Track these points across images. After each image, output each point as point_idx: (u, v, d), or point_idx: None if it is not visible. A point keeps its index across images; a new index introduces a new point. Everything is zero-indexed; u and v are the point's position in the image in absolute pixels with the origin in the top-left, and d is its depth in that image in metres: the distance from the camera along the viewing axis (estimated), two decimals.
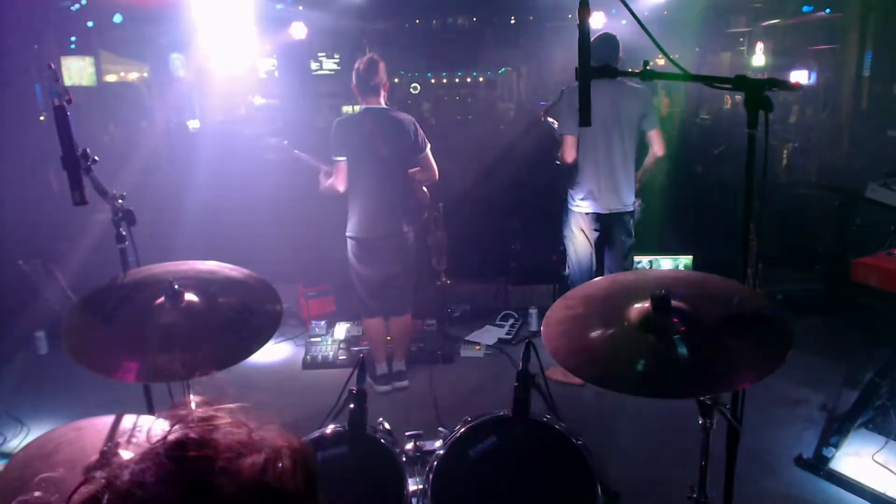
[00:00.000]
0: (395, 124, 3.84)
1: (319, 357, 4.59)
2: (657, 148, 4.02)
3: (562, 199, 4.20)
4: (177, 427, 0.76)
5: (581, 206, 4.05)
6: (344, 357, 4.57)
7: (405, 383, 4.22)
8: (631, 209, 4.07)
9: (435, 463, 2.04)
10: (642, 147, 4.05)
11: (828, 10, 7.27)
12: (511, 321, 5.08)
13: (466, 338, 4.87)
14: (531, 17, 10.06)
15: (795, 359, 1.73)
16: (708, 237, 5.20)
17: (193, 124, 8.41)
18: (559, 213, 4.26)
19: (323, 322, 4.94)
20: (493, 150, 7.13)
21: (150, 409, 2.31)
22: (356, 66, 3.80)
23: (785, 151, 7.27)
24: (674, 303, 1.74)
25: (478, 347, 4.74)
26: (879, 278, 3.29)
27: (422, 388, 4.19)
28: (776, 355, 1.65)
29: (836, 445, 3.22)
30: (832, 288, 5.00)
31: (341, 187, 3.85)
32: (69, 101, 2.02)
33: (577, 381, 3.48)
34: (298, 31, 7.19)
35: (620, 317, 1.79)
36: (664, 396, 1.76)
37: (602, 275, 4.05)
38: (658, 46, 1.78)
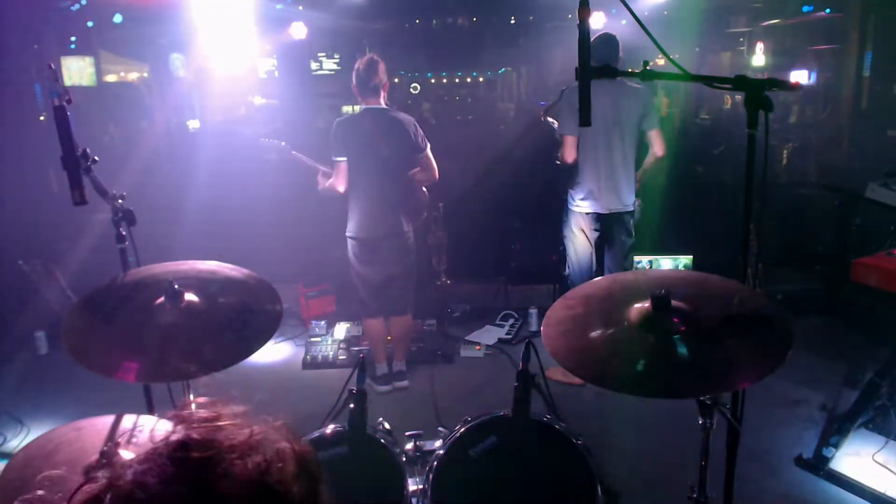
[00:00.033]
0: (395, 124, 3.84)
1: (319, 357, 4.59)
2: (657, 148, 4.02)
3: (562, 199, 4.20)
4: (180, 427, 0.75)
5: (581, 206, 4.05)
6: (344, 357, 4.57)
7: (405, 383, 4.22)
8: (631, 209, 4.07)
9: (435, 463, 2.05)
10: (642, 147, 4.06)
11: (828, 10, 7.27)
12: (511, 321, 5.08)
13: (466, 338, 4.87)
14: (531, 17, 10.06)
15: (795, 359, 1.73)
16: (708, 237, 5.20)
17: (193, 124, 8.41)
18: (559, 213, 4.26)
19: (323, 322, 4.94)
20: (493, 150, 7.13)
21: (150, 409, 2.31)
22: (356, 66, 3.80)
23: (785, 151, 7.27)
24: (674, 303, 1.74)
25: (478, 347, 4.74)
26: (879, 278, 3.29)
27: (422, 388, 4.19)
28: (776, 355, 1.65)
29: (836, 445, 3.22)
30: (832, 288, 5.00)
31: (341, 187, 3.85)
32: (69, 101, 2.02)
33: (577, 381, 3.48)
34: (298, 31, 7.19)
35: (620, 317, 1.79)
36: (664, 396, 1.77)
37: (602, 275, 4.05)
38: (658, 46, 1.78)
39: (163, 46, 8.01)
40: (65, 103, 2.00)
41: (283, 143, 4.44)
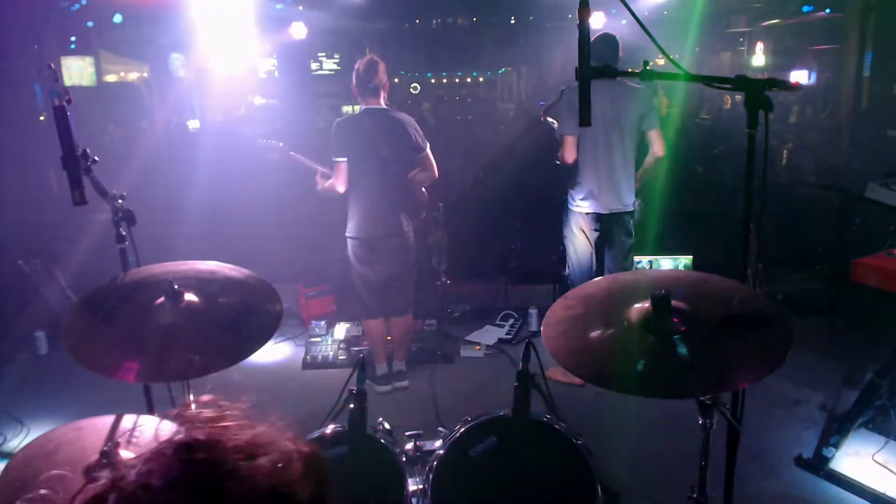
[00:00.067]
0: (394, 124, 3.84)
1: (319, 357, 4.59)
2: (657, 148, 4.02)
3: (562, 199, 4.20)
4: (184, 427, 0.75)
5: (581, 206, 4.05)
6: (344, 357, 4.57)
7: (405, 383, 4.22)
8: (631, 209, 4.07)
9: (435, 463, 2.05)
10: (642, 147, 4.05)
11: (828, 10, 7.28)
12: (511, 321, 5.08)
13: (466, 338, 4.87)
14: (531, 17, 10.05)
15: (795, 359, 1.74)
16: (708, 237, 5.20)
17: (193, 124, 8.40)
18: (559, 213, 4.26)
19: (323, 322, 4.94)
20: (493, 150, 7.13)
21: (150, 409, 2.31)
22: (356, 66, 3.81)
23: (785, 151, 7.27)
24: (674, 303, 1.74)
25: (478, 347, 4.74)
26: (879, 278, 3.29)
27: (422, 388, 4.19)
28: (776, 355, 1.65)
29: (836, 445, 3.22)
30: (832, 288, 5.00)
31: (341, 188, 3.85)
32: (69, 101, 2.02)
33: (577, 381, 3.48)
34: (298, 31, 7.19)
35: (620, 317, 1.79)
36: (664, 396, 1.77)
37: (602, 275, 4.05)
38: (658, 46, 1.78)
39: (163, 46, 8.00)
40: (65, 103, 2.00)
41: (280, 144, 4.44)
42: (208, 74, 7.81)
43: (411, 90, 10.78)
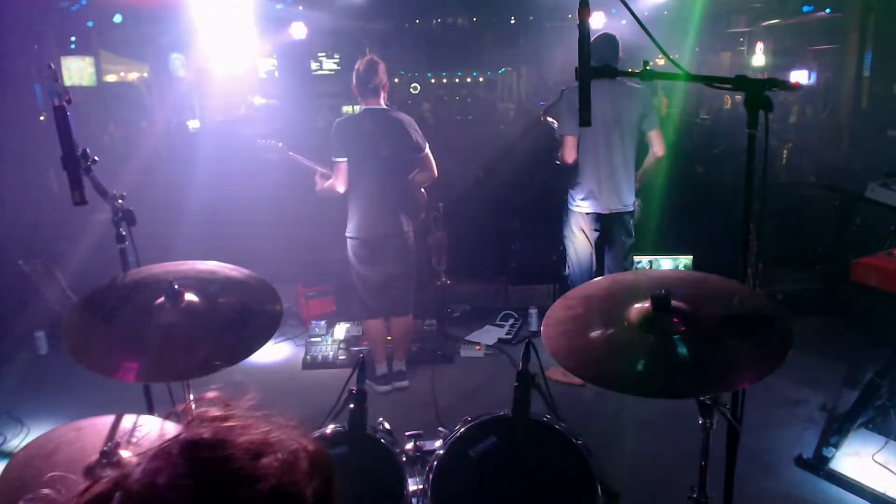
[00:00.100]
0: (394, 124, 3.84)
1: (319, 357, 4.59)
2: (657, 148, 4.02)
3: (562, 199, 4.20)
4: (191, 424, 0.74)
5: (581, 206, 4.05)
6: (344, 357, 4.57)
7: (405, 383, 4.22)
8: (631, 209, 4.07)
9: (435, 463, 2.04)
10: (642, 147, 4.06)
11: (828, 10, 7.28)
12: (511, 321, 5.08)
13: (466, 338, 4.87)
14: (531, 17, 10.04)
15: (795, 359, 1.73)
16: (708, 237, 5.19)
17: (193, 124, 8.40)
18: (559, 213, 4.26)
19: (323, 322, 4.94)
20: (493, 151, 7.12)
21: (150, 409, 2.31)
22: (356, 66, 3.81)
23: (785, 151, 7.26)
24: (674, 303, 1.74)
25: (478, 347, 4.74)
26: (879, 278, 3.29)
27: (422, 388, 4.19)
28: (776, 355, 1.65)
29: (836, 445, 3.22)
30: (832, 288, 5.00)
31: (341, 188, 3.85)
32: (69, 101, 2.02)
33: (577, 381, 3.48)
34: (298, 31, 7.18)
35: (620, 317, 1.79)
36: (664, 396, 1.77)
37: (602, 275, 4.05)
38: (658, 46, 1.78)
39: (163, 46, 8.00)
40: (65, 103, 2.01)
41: (279, 144, 4.44)
42: (208, 74, 7.80)
43: (411, 90, 10.77)
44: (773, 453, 3.38)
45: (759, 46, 8.39)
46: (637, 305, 1.79)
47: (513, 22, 10.34)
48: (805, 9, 7.59)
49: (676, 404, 1.90)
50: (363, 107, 3.86)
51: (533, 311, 4.96)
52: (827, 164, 6.80)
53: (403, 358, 4.30)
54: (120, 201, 2.23)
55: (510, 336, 4.88)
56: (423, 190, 4.16)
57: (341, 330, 4.85)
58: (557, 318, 1.88)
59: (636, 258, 4.54)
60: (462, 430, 2.12)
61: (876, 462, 3.22)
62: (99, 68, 7.59)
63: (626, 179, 3.99)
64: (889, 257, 3.37)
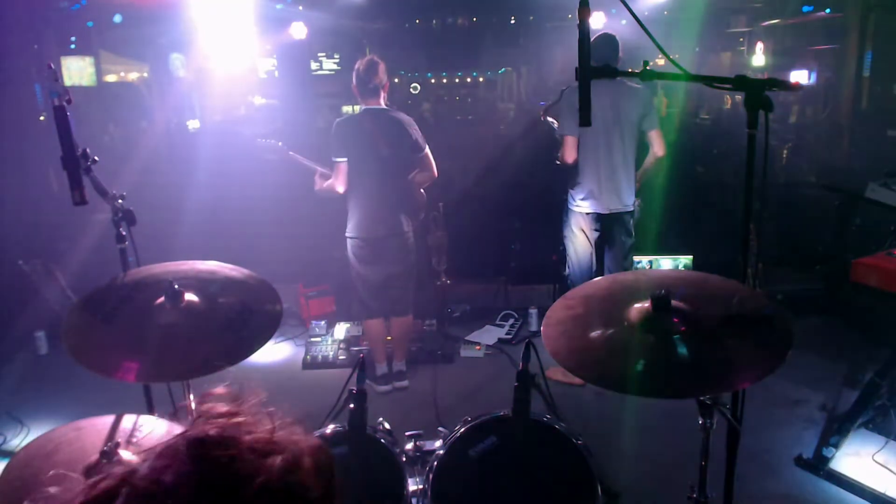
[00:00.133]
0: (394, 124, 3.84)
1: (319, 357, 4.59)
2: (657, 148, 4.02)
3: (562, 199, 4.20)
4: (198, 421, 0.74)
5: (581, 206, 4.05)
6: (344, 357, 4.57)
7: (405, 383, 4.22)
8: (631, 209, 4.07)
9: (435, 463, 2.04)
10: (642, 147, 4.06)
11: (828, 10, 7.27)
12: (511, 321, 5.08)
13: (466, 338, 4.87)
14: (531, 17, 10.03)
15: (795, 359, 1.73)
16: (708, 237, 5.20)
17: (193, 124, 8.40)
18: (559, 213, 4.26)
19: (323, 322, 4.94)
20: (493, 150, 7.12)
21: (150, 409, 2.31)
22: (356, 67, 3.81)
23: (785, 151, 7.26)
24: (674, 303, 1.74)
25: (478, 347, 4.74)
26: (879, 278, 3.29)
27: (422, 388, 4.19)
28: (776, 355, 1.65)
29: (836, 445, 3.22)
30: (832, 288, 5.00)
31: (341, 188, 3.85)
32: (69, 101, 2.02)
33: (577, 381, 3.48)
34: (298, 31, 7.18)
35: (620, 317, 1.79)
36: (664, 396, 1.76)
37: (602, 275, 4.05)
38: (658, 46, 1.78)
39: (163, 46, 7.99)
40: (65, 103, 2.01)
41: (279, 144, 4.44)
42: (208, 74, 7.80)
43: (411, 90, 10.76)
44: (773, 453, 3.38)
45: (759, 46, 8.38)
46: (637, 305, 1.79)
47: (513, 22, 10.33)
48: (805, 9, 7.59)
49: (676, 404, 1.90)
50: (363, 107, 3.86)
51: (533, 311, 4.96)
52: (827, 164, 6.80)
53: (403, 358, 4.30)
54: (120, 201, 2.23)
55: (510, 336, 4.88)
56: (422, 190, 4.16)
57: (341, 330, 4.85)
58: (557, 318, 1.88)
59: (636, 258, 4.54)
60: (462, 430, 2.12)
61: (876, 462, 3.22)
62: (99, 68, 7.59)
63: (627, 179, 3.99)
64: (889, 257, 3.37)
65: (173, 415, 1.87)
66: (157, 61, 8.26)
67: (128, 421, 1.63)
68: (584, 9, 1.72)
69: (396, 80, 10.11)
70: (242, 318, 1.94)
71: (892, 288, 3.25)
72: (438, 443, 2.16)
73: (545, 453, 2.06)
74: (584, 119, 1.77)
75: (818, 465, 3.21)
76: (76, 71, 7.20)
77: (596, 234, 4.09)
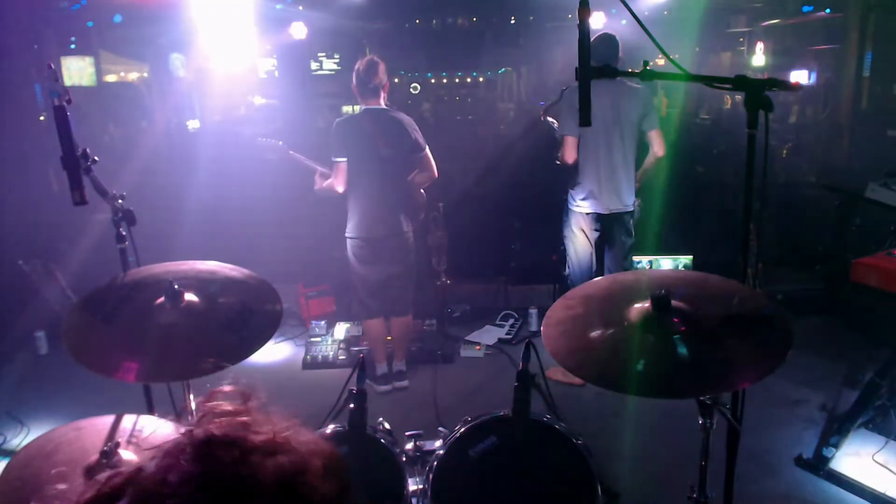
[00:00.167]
0: (394, 124, 3.84)
1: (319, 357, 4.59)
2: (657, 148, 4.02)
3: (562, 199, 4.20)
4: (204, 420, 0.73)
5: (581, 207, 4.05)
6: (344, 357, 4.57)
7: (405, 383, 4.22)
8: (631, 209, 4.07)
9: (435, 463, 2.04)
10: (642, 147, 4.06)
11: (828, 10, 7.27)
12: (511, 321, 5.08)
13: (466, 338, 4.87)
14: (531, 17, 10.03)
15: (795, 359, 1.74)
16: (708, 237, 5.20)
17: (193, 124, 8.40)
18: (559, 213, 4.26)
19: (323, 322, 4.94)
20: (493, 151, 7.12)
21: (150, 409, 2.31)
22: (356, 67, 3.81)
23: (785, 151, 7.26)
24: (674, 303, 1.74)
25: (478, 347, 4.74)
26: (879, 278, 3.29)
27: (422, 388, 4.19)
28: (776, 355, 1.65)
29: (836, 445, 3.22)
30: (832, 288, 5.00)
31: (340, 188, 3.85)
32: (69, 101, 2.02)
33: (577, 381, 3.48)
34: (298, 31, 7.17)
35: (620, 317, 1.79)
36: (664, 396, 1.77)
37: (602, 275, 4.05)
38: (658, 46, 1.78)
39: (163, 46, 7.99)
40: (65, 103, 2.01)
41: (280, 143, 4.44)
42: (208, 74, 7.80)
43: (411, 90, 10.76)
44: (773, 453, 3.38)
45: (759, 46, 8.37)
46: (637, 305, 1.79)
47: (513, 22, 10.33)
48: (805, 9, 7.58)
49: (676, 404, 1.90)
50: (363, 107, 3.86)
51: (533, 311, 4.96)
52: (827, 164, 6.80)
53: (403, 358, 4.30)
54: (120, 201, 2.24)
55: (510, 336, 4.88)
56: (422, 190, 4.16)
57: (341, 330, 4.85)
58: (557, 318, 1.88)
59: (636, 258, 4.54)
60: (462, 430, 2.12)
61: (876, 462, 3.22)
62: (99, 68, 7.59)
63: (627, 179, 3.99)
64: (889, 257, 3.37)
65: (177, 417, 1.88)
66: (157, 61, 8.26)
67: (128, 421, 1.63)
68: (584, 9, 1.72)
69: (396, 80, 10.11)
70: (242, 318, 1.94)
71: (892, 288, 3.25)
72: (438, 443, 2.16)
73: (545, 453, 2.06)
74: (584, 119, 1.77)
75: (818, 465, 3.21)
76: (76, 71, 7.20)
77: (596, 234, 4.09)
